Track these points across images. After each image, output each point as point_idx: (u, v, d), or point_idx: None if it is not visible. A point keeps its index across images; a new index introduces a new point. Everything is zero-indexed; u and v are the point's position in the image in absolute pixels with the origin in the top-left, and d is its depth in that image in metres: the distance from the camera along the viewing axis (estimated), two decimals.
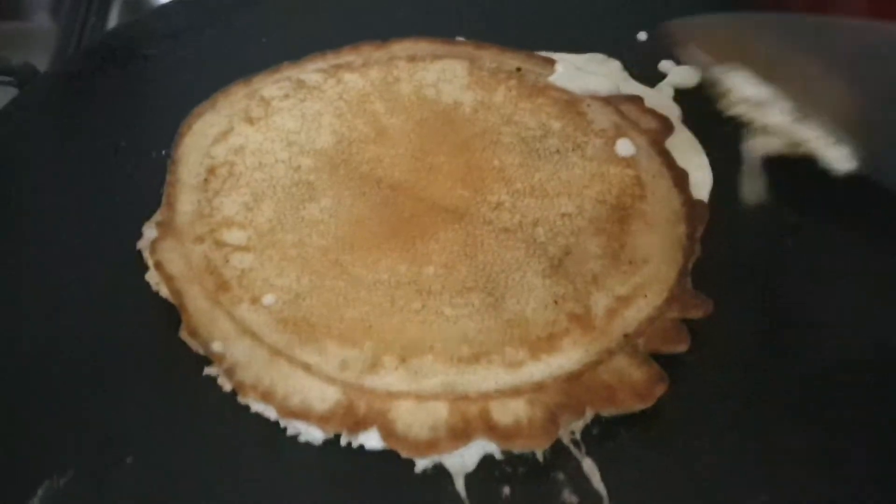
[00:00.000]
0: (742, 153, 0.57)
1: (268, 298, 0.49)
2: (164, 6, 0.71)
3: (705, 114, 0.59)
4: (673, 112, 0.61)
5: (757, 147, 0.56)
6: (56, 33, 0.80)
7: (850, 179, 0.53)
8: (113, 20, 0.80)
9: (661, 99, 0.62)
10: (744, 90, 0.58)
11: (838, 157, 0.53)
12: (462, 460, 0.44)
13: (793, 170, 0.55)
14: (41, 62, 0.70)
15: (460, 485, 0.43)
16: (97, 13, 0.81)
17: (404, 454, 0.44)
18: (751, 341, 0.49)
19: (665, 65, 0.65)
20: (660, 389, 0.46)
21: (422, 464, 0.44)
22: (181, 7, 0.70)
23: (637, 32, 0.67)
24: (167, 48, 0.67)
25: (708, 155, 0.58)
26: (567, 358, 0.47)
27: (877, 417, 0.46)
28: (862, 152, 0.52)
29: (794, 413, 0.46)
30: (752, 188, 0.56)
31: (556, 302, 0.49)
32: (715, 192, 0.56)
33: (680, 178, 0.55)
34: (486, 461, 0.44)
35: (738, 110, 0.58)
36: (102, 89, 0.64)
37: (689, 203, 0.54)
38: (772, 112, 0.56)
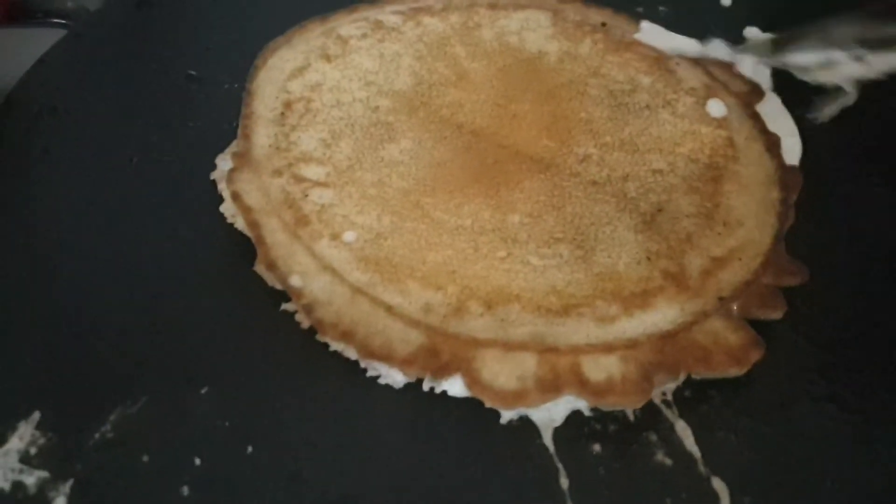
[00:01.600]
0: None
1: (348, 235, 0.47)
2: None
3: (792, 81, 0.56)
4: (762, 77, 0.58)
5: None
6: None
7: None
8: None
9: (750, 63, 0.59)
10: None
11: None
12: (549, 414, 0.42)
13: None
14: (94, 4, 0.67)
15: (548, 438, 0.41)
16: None
17: (489, 404, 0.42)
18: (847, 312, 0.47)
19: (750, 31, 0.62)
20: (756, 355, 0.44)
21: (507, 415, 0.42)
22: None
23: None
24: None
25: (797, 122, 0.55)
26: (662, 316, 0.45)
27: None
28: None
29: (893, 386, 0.44)
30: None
31: (648, 258, 0.47)
32: (805, 159, 0.54)
33: (772, 143, 0.53)
34: (575, 417, 0.42)
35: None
36: (171, 19, 0.62)
37: (783, 168, 0.52)
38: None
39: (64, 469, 0.39)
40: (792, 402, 0.44)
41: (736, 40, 0.62)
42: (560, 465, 0.41)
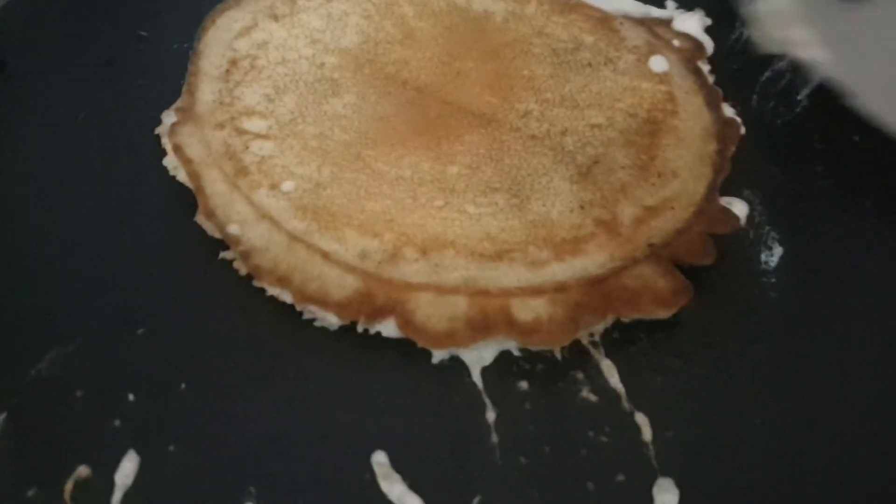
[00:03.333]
0: None
1: (287, 185, 0.48)
2: None
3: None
4: (705, 37, 0.59)
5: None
6: None
7: None
8: None
9: (694, 24, 0.60)
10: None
11: None
12: (479, 354, 0.43)
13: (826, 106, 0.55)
14: None
15: (477, 376, 0.42)
16: None
17: (421, 344, 0.43)
18: (777, 259, 0.48)
19: None
20: (683, 299, 0.45)
21: (438, 355, 0.43)
22: None
23: None
24: None
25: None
26: (592, 261, 0.46)
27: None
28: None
29: (819, 330, 0.45)
30: None
31: (582, 207, 0.48)
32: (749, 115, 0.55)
33: (713, 97, 0.54)
34: (504, 357, 0.43)
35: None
36: None
37: (721, 121, 0.53)
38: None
39: None
40: (718, 344, 0.45)
41: (686, 2, 0.63)
42: (487, 401, 0.42)
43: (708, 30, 0.60)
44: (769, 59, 0.59)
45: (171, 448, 0.39)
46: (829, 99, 0.56)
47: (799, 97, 0.57)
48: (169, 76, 0.55)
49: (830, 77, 0.49)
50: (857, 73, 0.48)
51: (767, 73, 0.58)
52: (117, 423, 0.40)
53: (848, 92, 0.47)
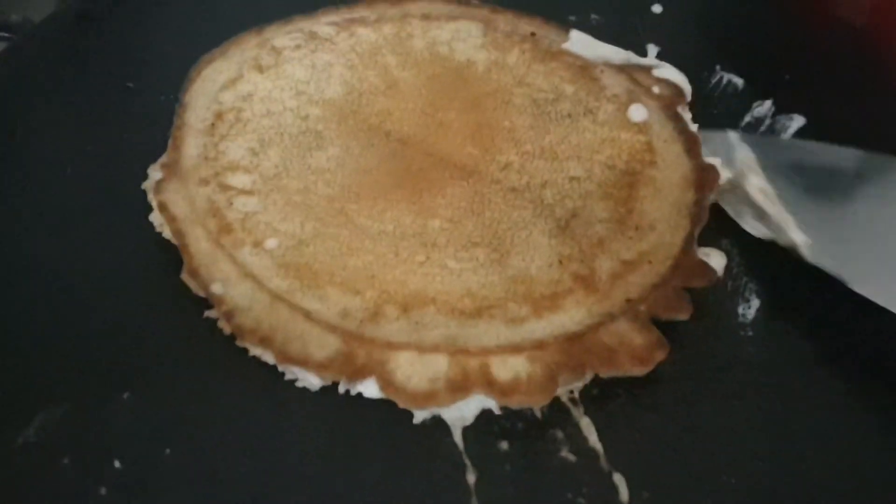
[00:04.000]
0: None
1: (270, 242, 0.49)
2: None
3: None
4: (685, 82, 0.60)
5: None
6: None
7: None
8: None
9: (673, 71, 0.61)
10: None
11: None
12: (460, 413, 0.44)
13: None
14: (40, 17, 0.69)
15: (458, 437, 0.43)
16: None
17: (402, 405, 0.44)
18: (754, 312, 0.49)
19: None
20: (660, 355, 0.45)
21: (420, 415, 0.44)
22: None
23: (652, 4, 0.66)
24: None
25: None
26: (569, 317, 0.46)
27: (882, 394, 0.46)
28: None
29: (796, 385, 0.46)
30: None
31: (560, 262, 0.49)
32: None
33: (692, 143, 0.55)
34: (485, 416, 0.44)
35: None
36: (111, 31, 0.64)
37: (700, 168, 0.54)
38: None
39: None
40: (695, 400, 0.45)
41: (666, 47, 0.64)
42: (468, 462, 0.43)
43: (687, 72, 0.61)
44: (749, 103, 0.60)
45: None
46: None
47: None
48: (156, 128, 0.56)
49: (818, 262, 0.49)
50: (842, 259, 0.48)
51: (748, 118, 0.59)
52: (103, 491, 0.40)
53: (838, 277, 0.48)
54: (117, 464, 0.41)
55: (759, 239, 0.52)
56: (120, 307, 0.47)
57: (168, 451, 0.42)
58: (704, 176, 0.53)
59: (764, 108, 0.60)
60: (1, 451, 0.41)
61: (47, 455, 0.41)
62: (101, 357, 0.45)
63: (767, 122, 0.59)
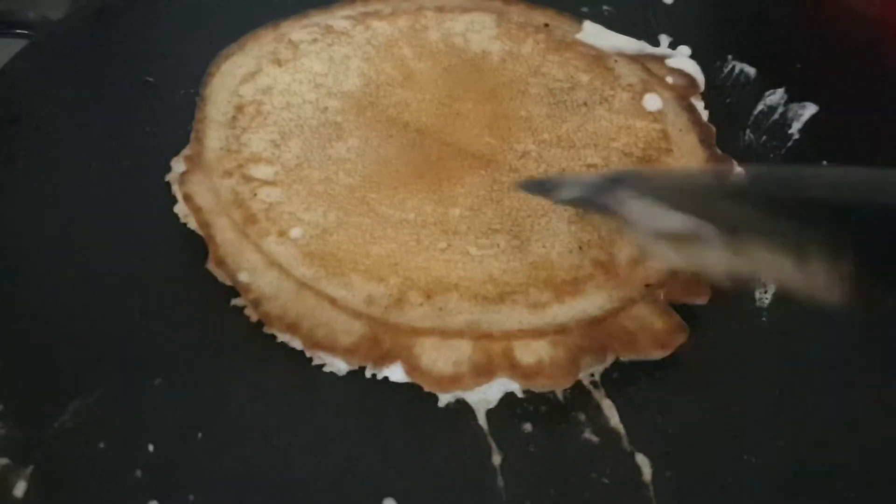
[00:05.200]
0: None
1: (295, 232, 0.49)
2: None
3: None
4: (698, 73, 0.61)
5: None
6: None
7: None
8: None
9: (687, 60, 0.62)
10: None
11: None
12: (484, 396, 0.45)
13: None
14: (57, 15, 0.69)
15: (482, 419, 0.44)
16: None
17: (427, 388, 0.45)
18: (771, 297, 0.50)
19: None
20: (679, 339, 0.46)
21: (445, 398, 0.45)
22: None
23: None
24: None
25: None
26: (590, 302, 0.47)
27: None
28: None
29: (814, 366, 0.47)
30: None
31: (580, 248, 0.49)
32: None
33: (706, 134, 0.56)
34: (508, 399, 0.45)
35: None
36: (129, 27, 0.64)
37: (715, 158, 0.55)
38: None
39: (25, 456, 0.42)
40: (714, 382, 0.46)
41: (678, 37, 0.64)
42: (493, 444, 0.43)
43: (699, 62, 0.61)
44: (761, 92, 0.60)
45: (191, 497, 0.41)
46: (820, 133, 0.58)
47: (791, 131, 0.59)
48: (177, 122, 0.57)
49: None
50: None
51: (760, 107, 0.60)
52: (139, 473, 0.41)
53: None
54: (151, 447, 0.42)
55: None
56: (148, 296, 0.48)
57: (200, 434, 0.43)
58: (719, 166, 0.54)
59: (776, 96, 0.61)
60: (39, 436, 0.42)
61: (84, 440, 0.42)
62: (131, 345, 0.46)
63: (780, 109, 0.60)
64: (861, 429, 0.45)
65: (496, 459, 0.43)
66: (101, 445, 0.42)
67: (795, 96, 0.60)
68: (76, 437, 0.42)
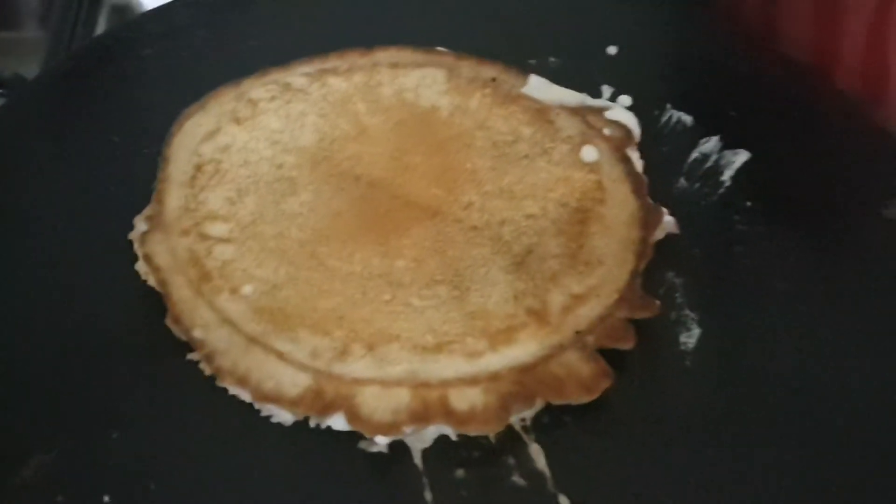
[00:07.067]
0: None
1: (246, 289, 0.53)
2: (157, 9, 0.74)
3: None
4: (634, 125, 0.64)
5: None
6: (45, 42, 0.82)
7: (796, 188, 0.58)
8: (101, 29, 0.83)
9: (623, 112, 0.65)
10: None
11: None
12: (420, 436, 0.48)
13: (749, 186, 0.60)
14: (31, 72, 0.73)
15: (418, 459, 0.47)
16: (85, 22, 0.83)
17: (368, 435, 0.48)
18: (695, 341, 0.53)
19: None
20: (605, 383, 0.49)
21: (383, 440, 0.48)
22: (173, 10, 0.73)
23: (607, 47, 0.70)
24: (162, 49, 0.70)
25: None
26: (523, 350, 0.50)
27: (818, 415, 0.50)
28: None
29: (734, 409, 0.50)
30: None
31: (516, 297, 0.53)
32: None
33: (638, 184, 0.59)
34: (444, 445, 0.48)
35: None
36: (96, 88, 0.67)
37: (646, 208, 0.58)
38: None
39: None
40: (637, 424, 0.49)
41: (620, 87, 0.68)
42: (426, 482, 0.47)
43: (639, 110, 0.65)
44: (697, 140, 0.64)
45: None
46: (751, 179, 0.61)
47: (723, 178, 0.62)
48: (141, 180, 0.60)
49: None
50: None
51: (695, 154, 0.63)
52: None
53: None
54: (107, 499, 0.45)
55: (703, 271, 0.56)
56: (108, 352, 0.51)
57: (153, 485, 0.46)
58: (649, 216, 0.57)
59: (711, 143, 0.64)
60: (1, 490, 0.45)
61: (42, 494, 0.45)
62: (91, 399, 0.49)
63: (714, 157, 0.63)
64: (785, 469, 0.48)
65: (428, 497, 0.46)
66: (59, 499, 0.45)
67: (729, 143, 0.63)
68: (35, 491, 0.46)
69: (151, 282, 0.54)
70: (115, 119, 0.65)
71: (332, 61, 0.68)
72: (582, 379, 0.49)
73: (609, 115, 0.63)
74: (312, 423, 0.49)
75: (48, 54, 0.80)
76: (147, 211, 0.57)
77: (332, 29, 0.71)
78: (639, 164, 0.61)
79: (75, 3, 0.85)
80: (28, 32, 0.87)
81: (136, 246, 0.56)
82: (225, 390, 0.50)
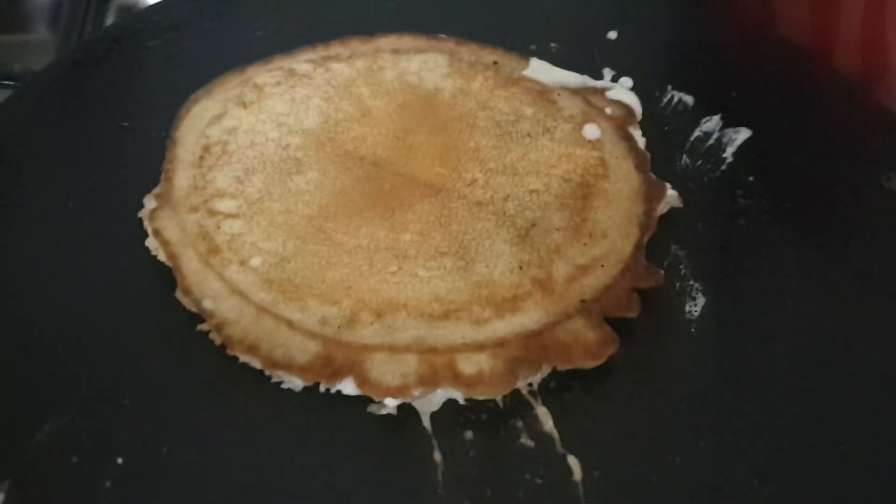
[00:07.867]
0: None
1: (255, 261, 0.53)
2: (163, 2, 0.76)
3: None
4: (636, 104, 0.65)
5: None
6: (55, 44, 0.84)
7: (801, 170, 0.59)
8: None
9: (624, 92, 0.66)
10: None
11: None
12: (428, 400, 0.49)
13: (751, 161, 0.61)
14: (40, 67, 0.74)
15: (427, 422, 0.48)
16: (93, 23, 0.85)
17: (377, 398, 0.48)
18: (700, 310, 0.53)
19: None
20: (610, 349, 0.50)
21: (392, 403, 0.48)
22: (178, 3, 0.74)
23: (608, 32, 0.71)
24: (167, 40, 0.71)
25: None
26: (528, 317, 0.51)
27: (816, 379, 0.51)
28: None
29: (737, 375, 0.51)
30: None
31: (520, 267, 0.53)
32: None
33: (641, 160, 0.60)
34: (452, 409, 0.48)
35: None
36: (106, 77, 0.68)
37: (649, 182, 0.58)
38: None
39: (3, 471, 0.46)
40: (642, 389, 0.50)
41: (621, 70, 0.69)
42: (435, 443, 0.47)
43: (641, 92, 0.66)
44: (698, 119, 0.65)
45: None
46: (753, 155, 0.62)
47: (724, 154, 0.63)
48: (150, 162, 0.60)
49: None
50: None
51: (696, 133, 0.64)
52: (108, 484, 0.45)
53: None
54: (120, 461, 0.46)
55: (706, 243, 0.57)
56: (121, 323, 0.52)
57: (165, 448, 0.46)
58: (653, 190, 0.58)
59: (712, 123, 0.65)
60: (17, 451, 0.46)
61: (58, 454, 0.46)
62: (104, 368, 0.50)
63: (716, 135, 0.64)
64: (785, 432, 0.49)
65: (437, 457, 0.46)
66: (74, 460, 0.46)
67: (730, 122, 0.64)
68: (51, 452, 0.46)
69: (161, 256, 0.55)
70: (123, 105, 0.66)
71: (335, 48, 0.69)
72: (588, 345, 0.50)
73: (610, 95, 0.64)
74: (322, 389, 0.49)
75: (58, 56, 0.81)
76: (156, 190, 0.58)
77: (334, 18, 0.72)
78: (641, 141, 0.62)
79: (83, 6, 0.86)
80: (38, 35, 0.89)
81: (145, 223, 0.56)
82: (236, 358, 0.50)
